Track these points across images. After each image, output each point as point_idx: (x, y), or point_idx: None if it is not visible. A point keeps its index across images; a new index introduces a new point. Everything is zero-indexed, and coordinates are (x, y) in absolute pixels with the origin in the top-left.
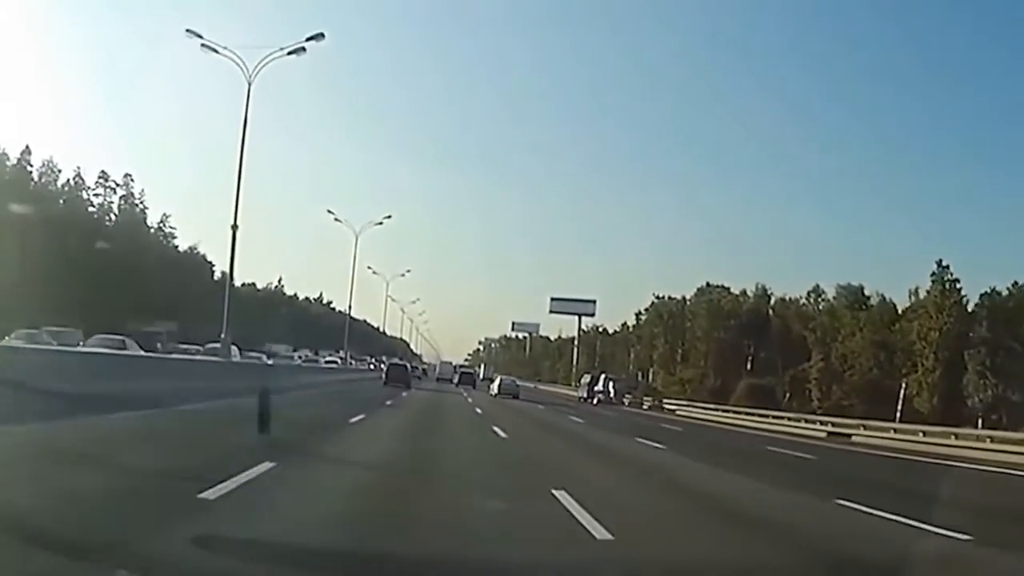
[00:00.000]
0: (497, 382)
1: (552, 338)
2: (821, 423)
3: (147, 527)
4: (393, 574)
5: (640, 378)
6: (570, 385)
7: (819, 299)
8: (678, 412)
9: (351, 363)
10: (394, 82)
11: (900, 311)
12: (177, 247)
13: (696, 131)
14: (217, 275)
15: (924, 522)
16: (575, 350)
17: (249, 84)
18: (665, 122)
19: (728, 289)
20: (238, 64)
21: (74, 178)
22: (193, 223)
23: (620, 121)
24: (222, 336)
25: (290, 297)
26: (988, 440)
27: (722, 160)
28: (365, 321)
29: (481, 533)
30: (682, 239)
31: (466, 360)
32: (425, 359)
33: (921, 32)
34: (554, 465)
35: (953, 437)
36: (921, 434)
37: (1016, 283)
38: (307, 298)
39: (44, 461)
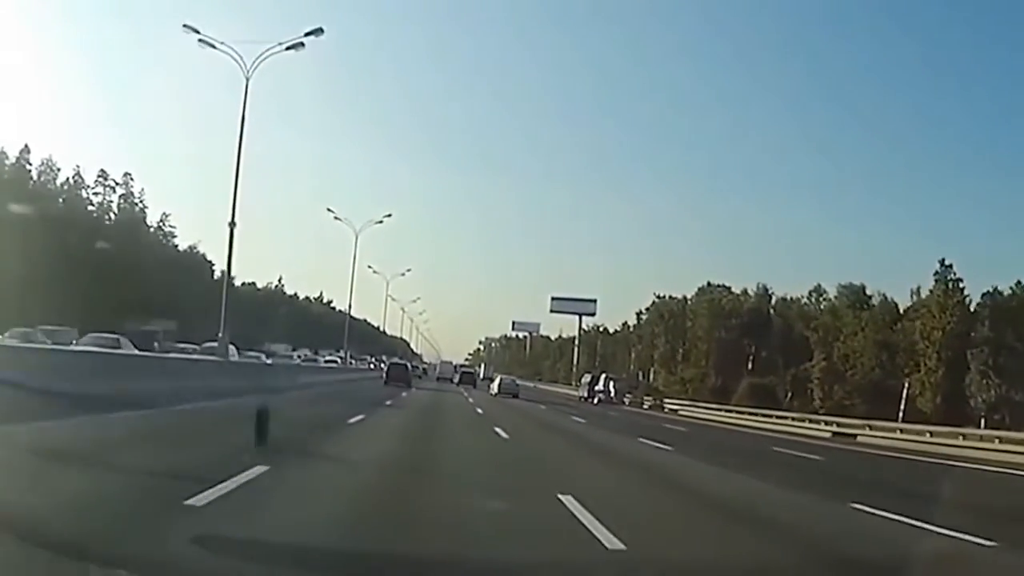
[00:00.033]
0: (497, 381)
1: (553, 338)
2: (826, 423)
3: (124, 535)
4: None
5: (641, 378)
6: (571, 385)
7: (820, 298)
8: (680, 412)
9: (351, 363)
10: (394, 82)
11: (902, 311)
12: (177, 246)
13: (696, 131)
14: (217, 274)
15: (945, 527)
16: (576, 350)
17: (247, 80)
18: (665, 122)
19: (729, 288)
20: (236, 60)
21: (73, 177)
22: (193, 222)
23: (620, 121)
24: (219, 335)
25: (290, 297)
26: (996, 441)
27: (722, 160)
28: (365, 321)
29: (484, 542)
30: (683, 239)
31: (466, 360)
32: (425, 359)
33: (921, 31)
34: (558, 467)
35: (960, 438)
36: (928, 434)
37: (1019, 282)
38: (307, 298)
39: (21, 464)
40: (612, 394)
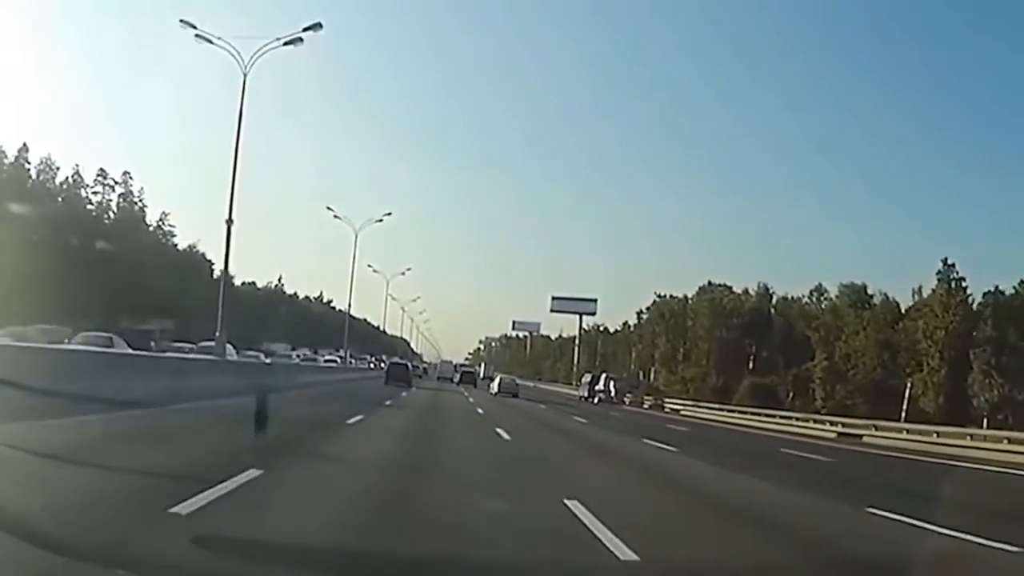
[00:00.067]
0: (497, 381)
1: (553, 337)
2: (831, 423)
3: (97, 548)
4: None
5: (641, 377)
6: (571, 384)
7: (821, 298)
8: (682, 412)
9: (351, 362)
10: (394, 81)
11: (903, 310)
12: (176, 245)
13: (696, 131)
14: (216, 273)
15: (968, 532)
16: (576, 349)
17: (244, 75)
18: (665, 122)
19: (730, 288)
20: (233, 55)
21: (72, 176)
22: (193, 222)
23: (620, 121)
24: (216, 334)
25: (290, 296)
26: (1004, 441)
27: (722, 159)
28: (365, 320)
29: (487, 549)
30: (683, 238)
31: (467, 359)
32: (426, 358)
33: (921, 31)
34: (563, 470)
35: (968, 438)
36: (935, 435)
37: (1022, 281)
38: (307, 297)
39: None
40: (612, 394)
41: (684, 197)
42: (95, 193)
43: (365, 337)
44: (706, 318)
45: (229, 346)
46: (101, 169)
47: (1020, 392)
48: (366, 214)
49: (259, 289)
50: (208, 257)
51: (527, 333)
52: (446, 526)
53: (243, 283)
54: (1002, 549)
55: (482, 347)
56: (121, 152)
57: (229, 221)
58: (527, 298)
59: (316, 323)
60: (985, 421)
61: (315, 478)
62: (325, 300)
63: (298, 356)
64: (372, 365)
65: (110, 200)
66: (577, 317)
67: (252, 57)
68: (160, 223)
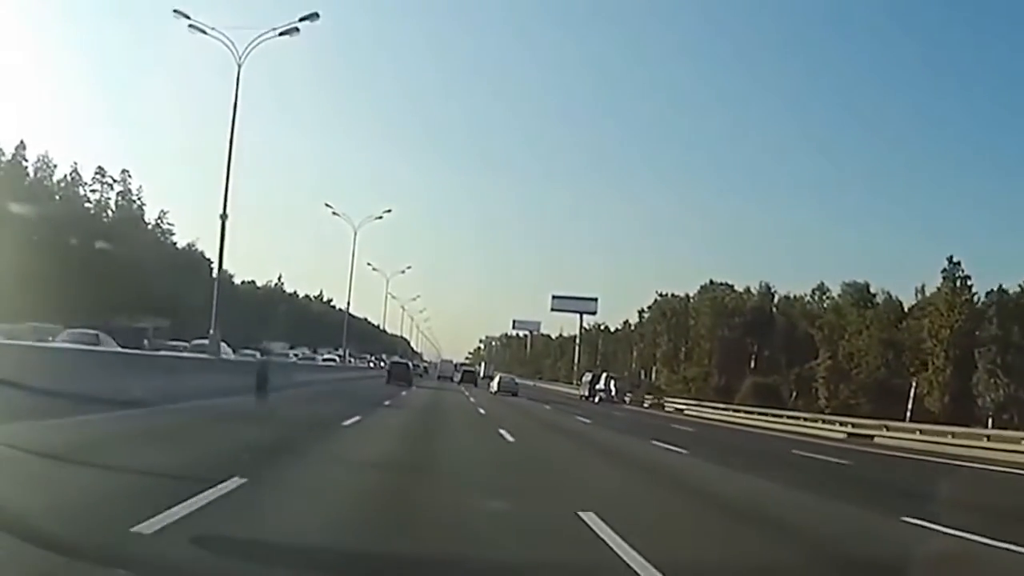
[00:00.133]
0: (496, 380)
1: (553, 336)
2: (840, 424)
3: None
4: None
5: (643, 376)
6: (571, 384)
7: (824, 297)
8: (686, 412)
9: (351, 361)
10: (394, 80)
11: (906, 309)
12: (175, 244)
13: (696, 131)
14: (216, 272)
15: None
16: (576, 348)
17: (239, 66)
18: (665, 122)
19: (732, 287)
20: (227, 46)
21: (70, 174)
22: (191, 220)
23: (620, 121)
24: (211, 332)
25: (290, 295)
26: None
27: (722, 159)
28: (365, 319)
29: (496, 570)
30: (683, 238)
31: (467, 358)
32: (426, 357)
33: (921, 31)
34: (572, 477)
35: (985, 439)
36: (950, 436)
37: None
38: (307, 296)
39: None
40: (613, 393)
41: (684, 197)
42: (93, 191)
43: (365, 336)
44: (708, 317)
45: (224, 344)
46: (99, 167)
47: None
48: (366, 213)
49: (259, 288)
50: (207, 256)
51: (527, 332)
52: (446, 538)
53: (243, 282)
54: None
55: (482, 346)
56: (120, 151)
57: (223, 216)
58: (527, 297)
59: (316, 322)
60: (990, 421)
61: (302, 491)
62: (325, 299)
63: (295, 355)
64: (372, 364)
65: (108, 198)
66: (578, 316)
67: (247, 48)
68: (159, 221)
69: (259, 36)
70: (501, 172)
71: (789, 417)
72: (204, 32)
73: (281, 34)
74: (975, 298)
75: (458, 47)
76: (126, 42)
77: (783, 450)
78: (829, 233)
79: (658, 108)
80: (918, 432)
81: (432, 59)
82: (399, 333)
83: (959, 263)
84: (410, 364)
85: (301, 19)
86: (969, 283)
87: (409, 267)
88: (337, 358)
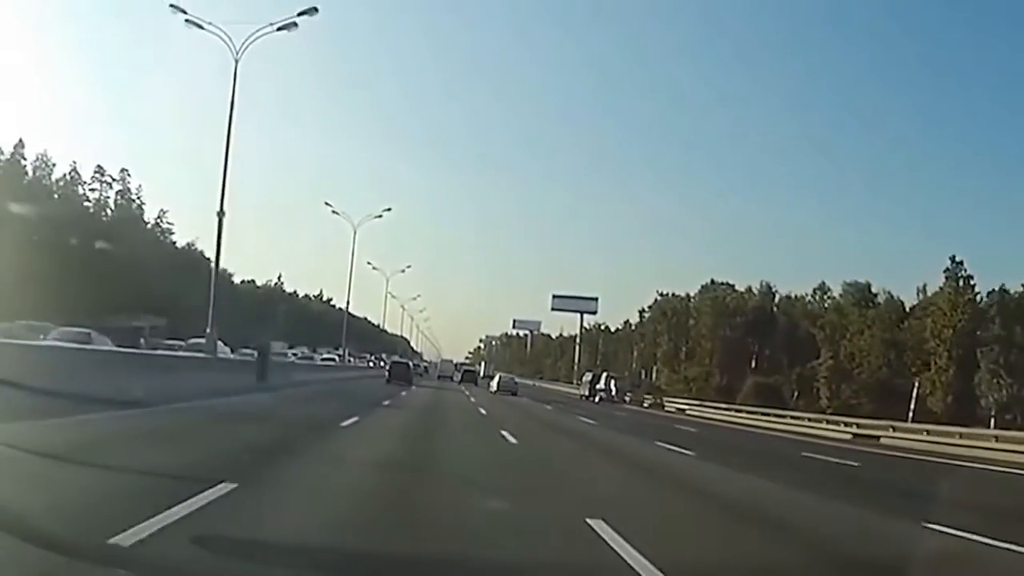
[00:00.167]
0: (496, 379)
1: (554, 336)
2: (845, 424)
3: None
4: None
5: (643, 376)
6: (572, 383)
7: (825, 296)
8: (687, 412)
9: (350, 361)
10: (394, 79)
11: (908, 309)
12: (174, 243)
13: (696, 131)
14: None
15: None
16: (577, 348)
17: (236, 61)
18: (665, 122)
19: (733, 286)
20: (224, 40)
21: (69, 173)
22: (191, 219)
23: (620, 121)
24: (207, 330)
25: (290, 294)
26: None
27: (722, 159)
28: (365, 319)
29: None
30: (684, 238)
31: (467, 358)
32: (426, 357)
33: (921, 31)
34: (578, 481)
35: (993, 440)
36: (958, 436)
37: None
38: (307, 295)
39: None
40: (613, 392)
41: (684, 197)
42: (92, 190)
43: (365, 335)
44: (709, 317)
45: (221, 343)
46: (98, 166)
47: None
48: (365, 212)
49: (258, 287)
50: (206, 255)
51: (528, 332)
52: (448, 547)
53: (242, 281)
54: None
55: (482, 346)
56: (119, 150)
57: (220, 213)
58: (527, 297)
59: (316, 321)
60: (992, 421)
61: (294, 498)
62: (325, 298)
63: (294, 354)
64: (372, 364)
65: (107, 197)
66: (578, 316)
67: (244, 43)
68: (158, 221)
69: (256, 31)
70: (501, 172)
71: (792, 417)
72: (201, 27)
73: (279, 29)
74: (980, 298)
75: (458, 46)
76: (126, 42)
77: (791, 452)
78: (829, 233)
79: (658, 108)
80: (925, 433)
81: (432, 59)
82: (399, 333)
83: (962, 262)
84: (410, 364)
85: (299, 14)
86: (972, 283)
87: (409, 266)
88: (337, 358)
